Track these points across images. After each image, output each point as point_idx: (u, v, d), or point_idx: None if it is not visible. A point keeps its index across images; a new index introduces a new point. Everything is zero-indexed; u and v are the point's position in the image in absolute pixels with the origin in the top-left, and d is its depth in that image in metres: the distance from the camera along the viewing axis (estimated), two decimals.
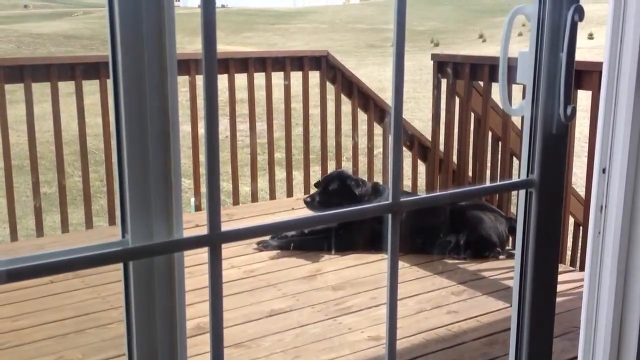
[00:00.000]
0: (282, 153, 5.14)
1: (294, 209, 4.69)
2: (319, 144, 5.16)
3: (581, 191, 3.94)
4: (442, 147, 4.60)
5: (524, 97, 1.39)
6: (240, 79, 4.71)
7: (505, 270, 3.72)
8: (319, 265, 3.81)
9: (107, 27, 0.98)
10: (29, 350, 2.83)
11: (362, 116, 5.03)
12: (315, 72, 4.98)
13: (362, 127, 5.08)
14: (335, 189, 4.12)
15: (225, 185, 5.24)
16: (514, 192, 2.25)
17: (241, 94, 4.90)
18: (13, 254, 3.36)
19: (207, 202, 1.06)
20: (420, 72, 13.52)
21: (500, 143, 4.25)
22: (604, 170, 1.60)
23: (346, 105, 5.02)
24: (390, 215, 1.26)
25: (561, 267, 3.57)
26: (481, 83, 4.31)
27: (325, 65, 4.96)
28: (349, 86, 5.01)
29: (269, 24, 32.58)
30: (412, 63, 14.39)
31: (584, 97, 3.54)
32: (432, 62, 4.59)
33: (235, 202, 4.87)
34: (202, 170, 4.10)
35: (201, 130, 1.15)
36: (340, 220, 3.64)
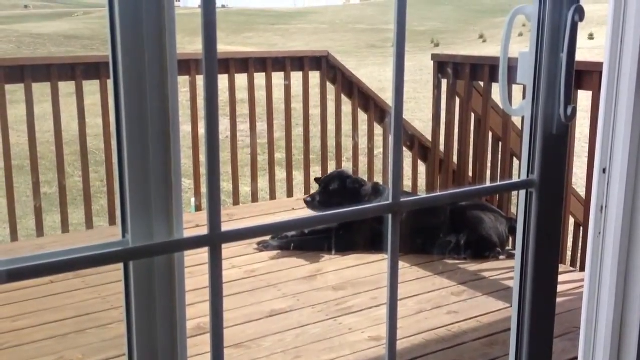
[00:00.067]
0: (283, 153, 5.14)
1: (294, 209, 4.69)
2: (319, 144, 5.16)
3: (581, 191, 3.94)
4: (442, 148, 4.60)
5: (524, 98, 1.39)
6: (241, 79, 4.71)
7: (506, 270, 3.72)
8: (319, 265, 3.81)
9: (108, 27, 0.98)
10: (29, 351, 2.83)
11: (363, 116, 5.03)
12: (315, 72, 4.98)
13: (363, 128, 5.08)
14: (335, 189, 4.12)
15: (226, 185, 5.25)
16: (514, 193, 2.25)
17: (241, 94, 4.90)
18: (13, 254, 3.36)
19: (207, 202, 1.06)
20: (420, 73, 13.53)
21: (500, 143, 4.25)
22: (604, 171, 1.60)
23: (346, 106, 5.02)
24: (390, 216, 1.26)
25: (561, 268, 3.57)
26: (481, 83, 4.31)
27: (325, 65, 4.96)
28: (350, 86, 5.01)
29: (270, 25, 32.59)
30: (413, 63, 14.39)
31: (584, 98, 3.54)
32: (432, 62, 4.59)
33: (236, 202, 4.88)
34: (203, 170, 4.10)
35: (201, 130, 1.15)
36: (341, 221, 3.64)
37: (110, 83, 1.01)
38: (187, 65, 4.43)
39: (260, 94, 4.76)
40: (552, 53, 1.33)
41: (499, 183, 4.11)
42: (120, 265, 1.05)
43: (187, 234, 1.06)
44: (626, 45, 1.53)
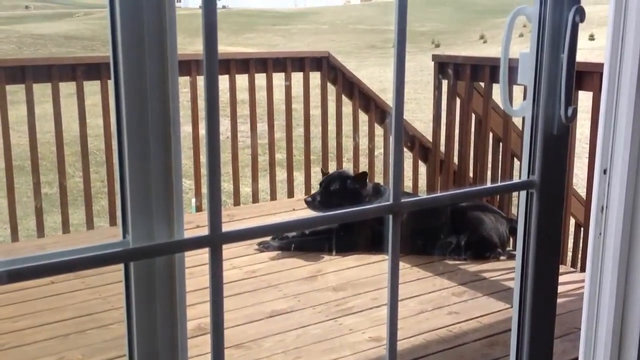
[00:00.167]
0: (283, 154, 5.14)
1: (294, 209, 4.69)
2: (319, 144, 5.16)
3: (582, 192, 3.94)
4: (442, 148, 4.60)
5: (524, 98, 1.39)
6: (241, 79, 4.71)
7: (506, 271, 3.72)
8: (319, 266, 3.81)
9: (108, 27, 0.98)
10: (30, 351, 2.83)
11: (363, 117, 5.03)
12: (316, 73, 4.98)
13: (363, 128, 5.08)
14: (336, 190, 4.12)
15: (226, 185, 5.25)
16: (515, 193, 2.25)
17: (242, 95, 4.90)
18: (14, 254, 3.36)
19: (208, 202, 1.06)
20: (421, 73, 13.53)
21: (501, 144, 4.24)
22: (604, 171, 1.60)
23: (347, 106, 5.02)
24: (391, 216, 1.26)
25: (562, 268, 3.57)
26: (482, 84, 4.31)
27: (326, 66, 4.96)
28: (350, 87, 5.01)
29: (270, 25, 32.60)
30: (413, 64, 14.40)
31: (584, 98, 3.54)
32: (433, 63, 4.59)
33: (236, 202, 4.88)
34: (203, 171, 4.09)
35: (202, 131, 1.15)
36: (341, 221, 3.64)
37: (110, 84, 1.01)
38: (188, 66, 4.43)
39: (261, 95, 4.76)
40: (552, 54, 1.33)
41: (499, 184, 4.10)
42: (121, 266, 1.05)
43: (188, 234, 1.06)
44: (627, 46, 1.53)
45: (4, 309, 3.15)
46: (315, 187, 4.51)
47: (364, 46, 25.25)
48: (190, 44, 15.70)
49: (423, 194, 4.91)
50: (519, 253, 1.44)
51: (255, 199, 4.94)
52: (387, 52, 21.94)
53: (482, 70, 4.27)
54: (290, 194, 5.09)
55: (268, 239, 4.03)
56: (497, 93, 1.67)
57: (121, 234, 1.03)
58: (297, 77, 4.90)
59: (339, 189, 4.12)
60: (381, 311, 3.15)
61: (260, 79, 4.77)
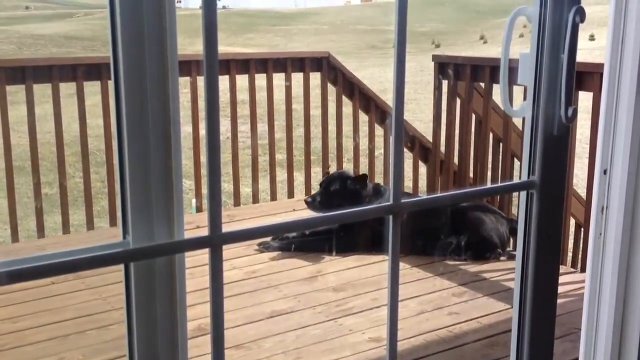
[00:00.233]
0: (283, 154, 5.15)
1: (295, 210, 4.69)
2: (320, 145, 5.16)
3: (582, 192, 3.94)
4: (443, 149, 4.60)
5: (525, 99, 1.39)
6: (242, 80, 4.71)
7: (506, 271, 3.72)
8: (320, 266, 3.81)
9: (109, 28, 0.98)
10: (30, 352, 2.83)
11: (363, 117, 5.03)
12: (316, 73, 4.98)
13: (363, 129, 5.08)
14: (336, 190, 4.12)
15: (226, 186, 5.24)
16: (515, 193, 2.25)
17: (242, 95, 4.90)
18: (14, 255, 3.36)
19: (208, 203, 1.06)
20: (421, 74, 13.53)
21: (501, 144, 4.24)
22: (605, 172, 1.60)
23: (347, 107, 5.02)
24: (391, 217, 1.25)
25: (562, 269, 3.57)
26: (482, 84, 4.31)
27: (326, 66, 4.96)
28: (350, 87, 5.01)
29: (270, 26, 32.60)
30: (413, 64, 14.39)
31: (585, 99, 3.54)
32: (433, 63, 4.59)
33: (236, 203, 4.87)
34: (203, 171, 4.09)
35: (202, 131, 1.15)
36: (342, 222, 3.64)
37: (111, 84, 1.01)
38: (188, 66, 4.43)
39: (261, 95, 4.76)
40: (552, 54, 1.33)
41: (499, 184, 4.10)
42: (121, 266, 1.05)
43: (188, 235, 1.06)
44: (627, 47, 1.53)
45: (4, 309, 3.15)
46: (315, 188, 4.51)
47: (364, 46, 25.25)
48: (190, 45, 15.70)
49: (423, 195, 4.91)
50: (519, 253, 1.44)
51: (255, 199, 4.94)
52: (387, 52, 21.94)
53: (482, 71, 4.27)
54: (291, 194, 5.09)
55: (268, 239, 4.03)
56: (497, 93, 1.67)
57: (121, 234, 1.03)
58: (297, 78, 4.90)
59: (339, 189, 4.12)
60: (381, 312, 3.15)
61: (261, 79, 4.77)
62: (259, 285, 3.53)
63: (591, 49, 15.88)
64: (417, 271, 3.72)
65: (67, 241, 4.22)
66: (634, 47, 1.51)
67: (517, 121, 3.99)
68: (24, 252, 3.98)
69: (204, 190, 4.36)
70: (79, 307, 3.21)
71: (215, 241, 1.06)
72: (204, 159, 1.12)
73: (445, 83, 4.50)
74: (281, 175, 5.34)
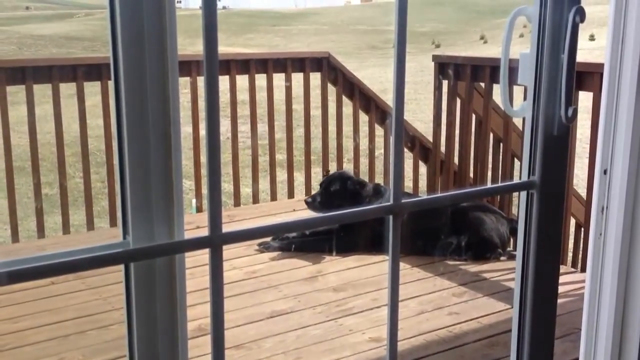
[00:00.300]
0: (283, 154, 5.15)
1: (295, 210, 4.68)
2: (320, 145, 5.16)
3: (582, 192, 3.94)
4: (443, 149, 4.60)
5: (525, 99, 1.39)
6: (242, 80, 4.71)
7: (507, 271, 3.72)
8: (320, 266, 3.81)
9: (109, 28, 0.98)
10: (30, 352, 2.83)
11: (364, 117, 5.03)
12: (316, 73, 4.98)
13: (364, 129, 5.08)
14: (336, 190, 4.12)
15: (227, 186, 5.24)
16: (515, 193, 2.25)
17: (242, 96, 4.90)
18: (14, 255, 3.36)
19: (208, 203, 1.06)
20: (421, 74, 13.52)
21: (501, 144, 4.24)
22: (605, 172, 1.60)
23: (347, 107, 5.02)
24: (391, 217, 1.26)
25: (562, 269, 3.57)
26: (482, 84, 4.31)
27: (326, 66, 4.96)
28: (350, 87, 5.01)
29: (270, 26, 32.60)
30: (414, 64, 14.39)
31: (585, 99, 3.54)
32: (433, 63, 4.59)
33: (237, 203, 4.87)
34: (203, 171, 4.09)
35: (202, 131, 1.15)
36: (342, 222, 3.64)
37: (111, 84, 1.01)
38: (188, 67, 4.43)
39: (261, 95, 4.76)
40: (552, 54, 1.33)
41: (500, 184, 4.10)
42: (121, 267, 1.05)
43: (188, 235, 1.06)
44: (627, 47, 1.53)
45: (5, 309, 3.15)
46: (315, 188, 4.51)
47: (364, 47, 25.25)
48: (190, 45, 15.70)
49: (423, 195, 4.91)
50: (519, 253, 1.44)
51: (255, 199, 4.94)
52: (387, 52, 21.93)
53: (483, 71, 4.27)
54: (291, 194, 5.09)
55: (268, 239, 4.02)
56: (498, 93, 1.67)
57: (121, 234, 1.03)
58: (297, 78, 4.90)
59: (339, 189, 4.12)
60: (381, 312, 3.15)
61: (261, 79, 4.77)
62: (259, 286, 3.53)
63: (591, 49, 15.88)
64: (418, 271, 3.72)
65: (67, 241, 4.22)
66: (634, 47, 1.51)
67: (518, 121, 3.99)
68: (24, 252, 3.98)
69: (204, 191, 4.35)
70: (79, 308, 3.21)
71: (216, 241, 1.06)
72: (204, 159, 1.12)
73: (445, 83, 4.50)
74: (281, 175, 5.34)
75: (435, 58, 4.64)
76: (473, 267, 3.81)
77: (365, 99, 5.00)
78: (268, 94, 4.77)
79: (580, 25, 1.33)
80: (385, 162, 5.20)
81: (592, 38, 19.79)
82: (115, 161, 1.05)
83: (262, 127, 4.88)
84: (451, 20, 33.40)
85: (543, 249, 1.42)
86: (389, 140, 4.23)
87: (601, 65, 1.70)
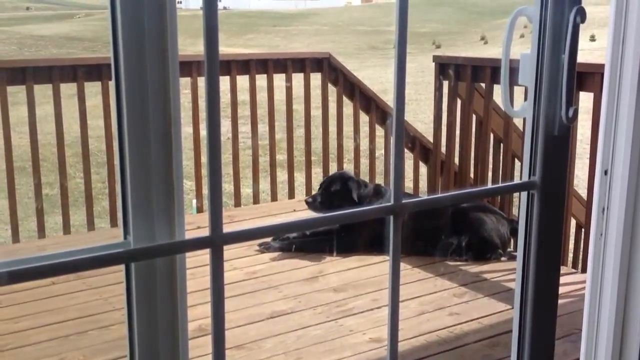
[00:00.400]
0: (284, 155, 5.15)
1: (295, 210, 4.69)
2: (320, 145, 5.16)
3: (583, 193, 3.94)
4: (443, 149, 4.60)
5: (525, 99, 1.39)
6: (242, 80, 4.72)
7: (507, 272, 3.72)
8: (320, 266, 3.81)
9: (109, 28, 0.98)
10: (31, 352, 2.83)
11: (364, 118, 5.03)
12: (317, 74, 4.98)
13: (364, 129, 5.08)
14: (337, 191, 4.12)
15: (227, 186, 5.24)
16: (516, 194, 2.25)
17: (243, 96, 4.90)
18: (15, 255, 3.36)
19: (208, 203, 1.06)
20: (422, 74, 13.53)
21: (502, 145, 4.24)
22: (605, 172, 1.60)
23: (348, 107, 5.02)
24: (392, 217, 1.25)
25: (563, 269, 3.57)
26: (483, 85, 4.31)
27: (327, 67, 4.96)
28: (351, 88, 5.01)
29: (271, 26, 32.59)
30: (414, 65, 14.40)
31: (585, 99, 3.54)
32: (433, 64, 4.59)
33: (237, 203, 4.88)
34: (204, 171, 4.09)
35: (203, 132, 1.15)
36: (343, 222, 3.64)
37: (112, 85, 1.01)
38: (189, 67, 4.43)
39: (262, 96, 4.76)
40: (553, 54, 1.33)
41: (500, 185, 4.11)
42: (122, 267, 1.05)
43: (189, 235, 1.06)
44: (627, 47, 1.53)
45: (5, 310, 3.15)
46: (315, 188, 4.51)
47: (364, 47, 25.25)
48: (191, 45, 15.70)
49: (424, 195, 4.91)
50: (520, 254, 1.44)
51: (256, 199, 4.94)
52: (388, 53, 21.93)
53: (483, 71, 4.27)
54: (291, 194, 5.09)
55: (269, 239, 4.02)
56: (498, 94, 1.67)
57: (122, 234, 1.03)
58: (297, 78, 4.90)
59: (340, 190, 4.12)
60: (382, 312, 3.15)
61: (261, 80, 4.77)
62: (260, 286, 3.53)
63: (592, 49, 15.87)
64: (418, 272, 3.72)
65: (68, 241, 4.22)
66: (635, 48, 1.51)
67: (518, 122, 3.99)
68: (24, 252, 3.98)
69: (205, 191, 4.36)
70: (80, 308, 3.21)
71: (216, 241, 1.06)
72: (204, 159, 1.12)
73: (446, 84, 4.50)
74: (282, 175, 5.34)
75: (435, 58, 4.64)
76: (474, 268, 3.81)
77: (365, 100, 5.00)
78: (268, 95, 4.77)
79: (581, 25, 1.33)
80: (385, 162, 5.20)
81: (592, 39, 19.79)
82: (116, 161, 1.05)
83: (263, 128, 4.88)
84: (452, 21, 33.39)
85: (543, 249, 1.42)
86: (390, 141, 4.24)
87: (602, 66, 1.71)
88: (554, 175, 1.41)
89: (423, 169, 5.01)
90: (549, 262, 1.44)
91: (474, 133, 4.43)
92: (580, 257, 3.82)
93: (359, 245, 3.96)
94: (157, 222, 1.02)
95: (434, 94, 4.58)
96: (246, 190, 5.31)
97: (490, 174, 4.31)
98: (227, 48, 20.32)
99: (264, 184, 5.19)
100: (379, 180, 5.10)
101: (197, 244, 1.09)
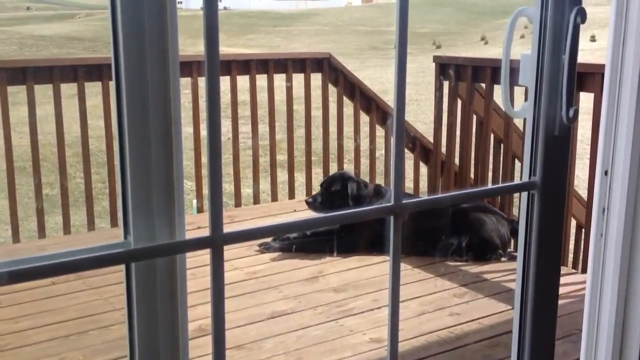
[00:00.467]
0: (284, 155, 5.15)
1: (295, 210, 4.69)
2: (320, 146, 5.16)
3: (583, 193, 3.94)
4: (444, 149, 4.60)
5: (526, 99, 1.39)
6: (243, 81, 4.72)
7: (507, 272, 3.72)
8: (320, 267, 3.81)
9: (110, 28, 0.98)
10: (31, 352, 2.83)
11: (364, 118, 5.03)
12: (317, 74, 4.98)
13: (364, 129, 5.08)
14: (337, 191, 4.13)
15: (227, 187, 5.24)
16: (516, 194, 2.25)
17: (243, 96, 4.90)
18: (15, 255, 3.36)
19: (209, 203, 1.06)
20: (422, 74, 13.53)
21: (502, 145, 4.24)
22: (606, 173, 1.60)
23: (348, 108, 5.02)
24: (392, 217, 1.25)
25: (563, 270, 3.57)
26: (483, 85, 4.31)
27: (327, 67, 4.96)
28: (351, 88, 5.01)
29: (271, 26, 32.59)
30: (414, 65, 14.40)
31: (586, 99, 3.54)
32: (434, 64, 4.59)
33: (237, 204, 4.88)
34: (204, 172, 4.09)
35: (203, 132, 1.15)
36: (343, 222, 3.64)
37: (112, 85, 1.01)
38: (189, 67, 4.43)
39: (262, 96, 4.76)
40: (554, 55, 1.33)
41: (500, 185, 4.10)
42: (122, 267, 1.05)
43: (189, 235, 1.06)
44: (628, 47, 1.53)
45: (5, 310, 3.15)
46: (316, 188, 4.51)
47: (365, 47, 25.25)
48: (191, 45, 15.70)
49: (424, 195, 4.91)
50: (520, 254, 1.44)
51: (256, 200, 4.94)
52: (388, 53, 21.93)
53: (483, 72, 4.27)
54: (291, 195, 5.09)
55: (269, 240, 4.02)
56: (498, 94, 1.67)
57: (122, 234, 1.03)
58: (298, 78, 4.90)
59: (340, 190, 4.12)
60: (382, 312, 3.15)
61: (262, 80, 4.77)
62: (260, 286, 3.53)
63: (592, 49, 15.87)
64: (418, 272, 3.72)
65: (68, 242, 4.22)
66: (635, 48, 1.51)
67: (518, 122, 3.99)
68: (25, 252, 3.98)
69: (205, 191, 4.36)
70: (80, 308, 3.21)
71: (217, 242, 1.06)
72: (204, 159, 1.13)
73: (446, 84, 4.50)
74: (282, 176, 5.34)
75: (436, 59, 4.64)
76: (474, 268, 3.81)
77: (366, 100, 5.00)
78: (269, 95, 4.77)
79: (582, 26, 1.33)
80: (386, 162, 5.20)
81: (593, 39, 19.78)
82: (116, 161, 1.05)
83: (263, 128, 4.88)
84: (452, 21, 33.39)
85: (544, 250, 1.42)
86: (390, 141, 4.23)
87: (602, 66, 1.70)
88: (554, 175, 1.41)
89: (423, 169, 5.01)
90: (549, 263, 1.44)
91: (475, 133, 4.43)
92: (581, 257, 3.82)
93: (359, 246, 3.96)
94: (157, 222, 1.02)
95: (435, 94, 4.58)
96: (246, 191, 5.31)
97: (490, 174, 4.31)
98: (228, 48, 20.32)
99: (264, 184, 5.19)
100: (379, 180, 5.10)
101: (197, 244, 1.09)
